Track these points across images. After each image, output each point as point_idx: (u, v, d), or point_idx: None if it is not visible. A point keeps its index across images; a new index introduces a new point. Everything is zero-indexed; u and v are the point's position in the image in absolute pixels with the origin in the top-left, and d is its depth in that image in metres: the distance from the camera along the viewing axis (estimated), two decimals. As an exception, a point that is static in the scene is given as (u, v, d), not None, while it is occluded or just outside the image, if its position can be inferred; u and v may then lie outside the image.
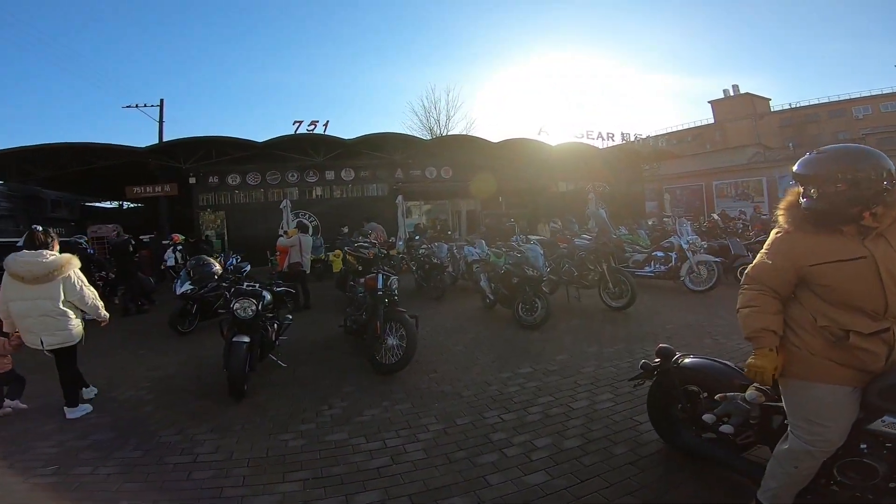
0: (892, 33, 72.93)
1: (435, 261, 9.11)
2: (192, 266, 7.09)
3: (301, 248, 8.40)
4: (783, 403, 2.10)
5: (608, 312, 6.82)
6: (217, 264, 7.23)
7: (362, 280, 5.48)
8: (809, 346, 1.96)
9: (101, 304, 4.20)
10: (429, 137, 27.72)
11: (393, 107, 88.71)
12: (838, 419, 1.91)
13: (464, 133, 26.75)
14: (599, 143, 23.45)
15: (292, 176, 19.60)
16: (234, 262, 12.42)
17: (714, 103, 50.07)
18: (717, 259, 8.04)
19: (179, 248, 12.20)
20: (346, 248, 6.33)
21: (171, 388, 4.70)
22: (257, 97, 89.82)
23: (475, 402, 3.92)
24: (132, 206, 25.66)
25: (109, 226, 18.57)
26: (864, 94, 40.76)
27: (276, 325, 5.14)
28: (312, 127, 18.55)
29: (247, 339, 4.17)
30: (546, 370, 4.56)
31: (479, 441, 3.23)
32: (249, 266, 9.04)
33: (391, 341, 4.64)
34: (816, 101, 43.92)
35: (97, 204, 25.81)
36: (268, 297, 4.76)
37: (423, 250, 9.91)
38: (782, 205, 2.07)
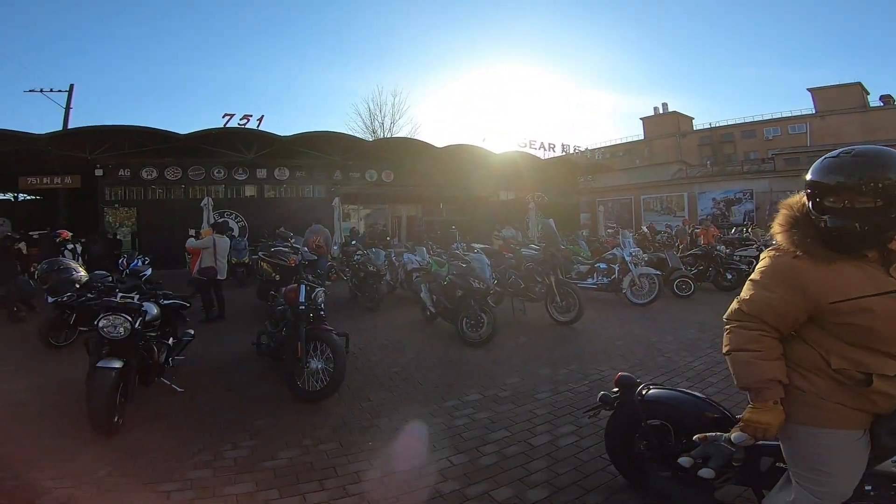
0: (796, 61, 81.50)
1: (371, 268, 8.36)
2: (42, 271, 5.68)
3: (215, 250, 7.32)
4: (783, 452, 1.74)
5: (556, 327, 6.46)
6: (80, 270, 5.70)
7: (283, 290, 4.66)
8: (818, 389, 1.58)
9: None
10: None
11: (335, 108, 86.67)
12: (850, 466, 1.59)
13: (407, 136, 26.17)
14: (541, 154, 23.93)
15: (219, 172, 18.09)
16: (139, 263, 11.00)
17: (645, 120, 52.23)
18: (657, 272, 8.02)
19: (70, 246, 10.53)
20: (260, 253, 5.18)
21: (23, 417, 3.71)
22: (184, 91, 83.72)
23: (417, 439, 3.31)
24: (30, 198, 22.58)
25: (-4, 219, 16.03)
26: (774, 116, 43.58)
27: (170, 343, 4.23)
28: (245, 121, 17.34)
29: (117, 364, 3.28)
30: (497, 397, 4.02)
31: (426, 495, 2.60)
32: (151, 270, 7.82)
33: (315, 364, 3.90)
34: (733, 122, 46.41)
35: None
36: (152, 310, 3.84)
37: (359, 257, 9.13)
38: (780, 220, 1.64)
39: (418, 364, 5.02)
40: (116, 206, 17.06)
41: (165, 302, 4.18)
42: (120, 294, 3.59)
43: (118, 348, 3.39)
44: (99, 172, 16.41)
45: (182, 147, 16.66)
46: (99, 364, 3.24)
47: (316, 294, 4.28)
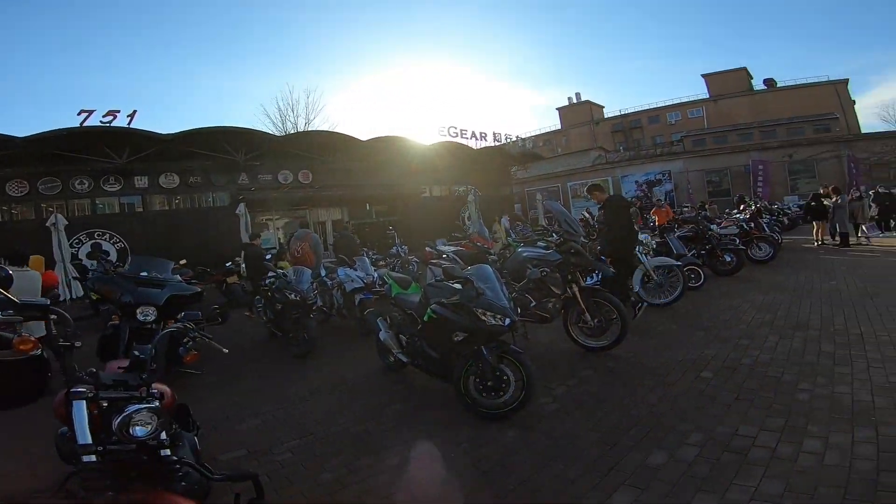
0: (691, 53, 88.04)
1: (293, 297, 5.52)
2: None
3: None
4: None
5: (591, 359, 4.33)
6: None
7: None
8: None
9: None
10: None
11: (238, 111, 79.59)
12: None
13: (325, 129, 23.02)
14: (473, 144, 22.32)
15: (81, 184, 14.27)
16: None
17: (560, 110, 54.17)
18: (677, 262, 6.30)
19: None
20: None
21: None
22: (41, 97, 71.60)
23: None
24: None
25: None
26: (674, 102, 46.66)
27: None
28: (109, 118, 13.66)
29: None
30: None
31: None
32: None
33: None
34: (639, 108, 49.16)
35: None
36: None
37: (272, 281, 6.08)
38: None
39: (413, 493, 2.60)
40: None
41: None
42: None
43: None
44: None
45: (26, 155, 12.77)
46: None
47: (125, 419, 1.68)
